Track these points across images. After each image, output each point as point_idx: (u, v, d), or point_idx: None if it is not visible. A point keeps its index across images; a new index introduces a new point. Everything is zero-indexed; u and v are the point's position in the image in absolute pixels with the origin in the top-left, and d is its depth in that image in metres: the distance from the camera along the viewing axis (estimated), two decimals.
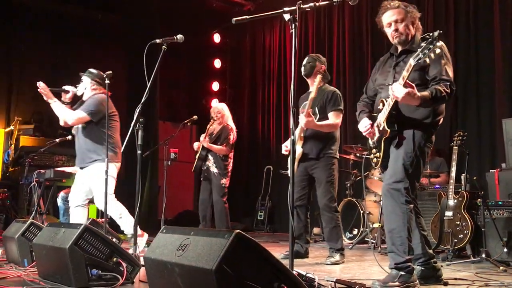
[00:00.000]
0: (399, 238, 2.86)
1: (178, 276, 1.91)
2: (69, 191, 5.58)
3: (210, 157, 5.54)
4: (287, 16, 2.46)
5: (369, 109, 3.24)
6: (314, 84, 4.41)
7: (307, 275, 2.53)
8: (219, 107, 5.82)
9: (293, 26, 2.44)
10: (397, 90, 2.70)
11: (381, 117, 2.94)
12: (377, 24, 3.15)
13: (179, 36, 3.47)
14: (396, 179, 2.88)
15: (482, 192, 4.42)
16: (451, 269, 3.78)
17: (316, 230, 6.78)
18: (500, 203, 4.30)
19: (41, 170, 5.78)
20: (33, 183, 5.58)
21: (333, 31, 7.82)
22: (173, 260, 1.94)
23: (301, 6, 2.47)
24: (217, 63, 9.55)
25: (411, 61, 2.64)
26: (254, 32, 9.48)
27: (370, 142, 3.14)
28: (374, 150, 3.10)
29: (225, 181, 5.54)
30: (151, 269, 2.17)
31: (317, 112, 4.29)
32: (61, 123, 4.50)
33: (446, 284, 2.97)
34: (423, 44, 2.58)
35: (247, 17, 2.50)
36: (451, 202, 4.37)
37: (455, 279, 3.19)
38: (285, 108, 8.61)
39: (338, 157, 4.41)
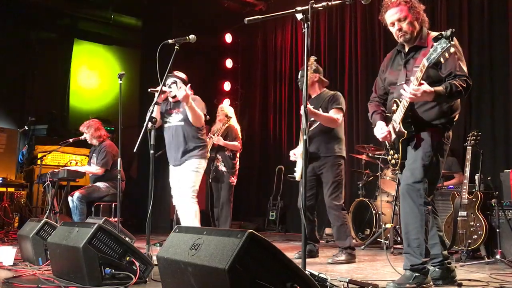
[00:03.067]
0: (416, 240, 2.83)
1: (191, 275, 1.92)
2: (83, 191, 5.64)
3: (218, 156, 5.60)
4: (299, 16, 2.45)
5: (381, 109, 3.19)
6: (314, 94, 4.60)
7: (320, 275, 2.52)
8: (224, 108, 5.93)
9: (305, 26, 2.43)
10: (409, 91, 2.66)
11: (397, 118, 2.90)
12: (382, 22, 3.08)
13: (191, 37, 3.49)
14: (415, 179, 2.85)
15: (497, 192, 4.37)
16: (465, 270, 3.75)
17: (328, 230, 6.75)
18: None
19: (55, 170, 5.84)
20: (47, 183, 5.63)
21: (345, 30, 7.79)
22: (186, 259, 1.94)
23: (314, 5, 2.46)
24: (229, 63, 9.55)
25: (424, 62, 2.59)
26: (265, 32, 9.47)
27: (387, 143, 3.11)
28: (391, 152, 3.07)
29: (233, 179, 5.61)
30: (164, 268, 2.18)
31: (321, 112, 4.32)
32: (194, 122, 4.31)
33: (460, 285, 2.93)
34: (435, 44, 2.53)
35: (260, 17, 2.50)
36: (465, 202, 4.33)
37: (469, 280, 3.16)
38: (296, 108, 8.58)
39: (345, 156, 4.41)
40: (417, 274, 2.79)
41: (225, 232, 1.89)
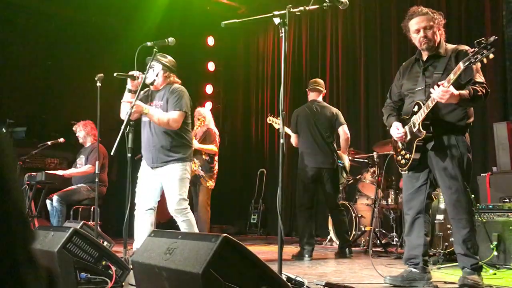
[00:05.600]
0: (469, 242, 2.98)
1: (165, 280, 1.91)
2: (62, 194, 5.56)
3: (196, 160, 5.52)
4: (277, 20, 2.47)
5: (397, 113, 3.33)
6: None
7: (297, 278, 2.53)
8: (201, 111, 5.81)
9: (283, 30, 2.45)
10: (439, 93, 2.79)
11: (417, 119, 3.02)
12: (402, 28, 3.23)
13: (171, 39, 3.47)
14: (457, 188, 2.97)
15: (473, 195, 4.43)
16: (442, 272, 3.79)
17: None
18: (490, 206, 4.32)
19: (33, 173, 5.75)
20: (24, 186, 5.55)
21: (326, 36, 7.85)
22: (161, 264, 1.93)
23: (291, 10, 2.48)
24: (211, 66, 9.54)
25: (461, 65, 2.72)
26: (248, 36, 9.49)
27: (400, 144, 3.20)
28: (403, 152, 3.19)
29: (211, 184, 5.56)
30: (139, 272, 2.16)
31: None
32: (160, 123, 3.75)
33: (435, 287, 2.98)
34: (476, 49, 2.63)
35: (237, 20, 2.50)
36: (442, 206, 4.39)
37: (445, 282, 3.20)
38: (278, 112, 8.60)
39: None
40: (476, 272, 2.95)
41: (200, 236, 1.88)
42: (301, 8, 2.57)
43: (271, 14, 2.44)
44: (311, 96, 5.14)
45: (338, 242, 5.31)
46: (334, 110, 5.12)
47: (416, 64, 3.21)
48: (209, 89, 9.49)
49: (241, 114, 9.50)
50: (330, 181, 4.89)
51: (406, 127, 3.13)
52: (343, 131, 5.03)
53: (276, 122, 5.37)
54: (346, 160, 5.12)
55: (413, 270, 3.11)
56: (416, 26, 3.09)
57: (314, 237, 4.89)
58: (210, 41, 9.48)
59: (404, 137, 3.14)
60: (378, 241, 5.44)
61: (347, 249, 4.84)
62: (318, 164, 4.86)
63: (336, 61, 7.64)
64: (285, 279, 2.50)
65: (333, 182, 4.93)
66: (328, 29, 7.81)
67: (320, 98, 5.13)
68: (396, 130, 3.18)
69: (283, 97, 2.38)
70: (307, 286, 2.50)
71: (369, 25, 7.20)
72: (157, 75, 3.83)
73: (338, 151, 5.04)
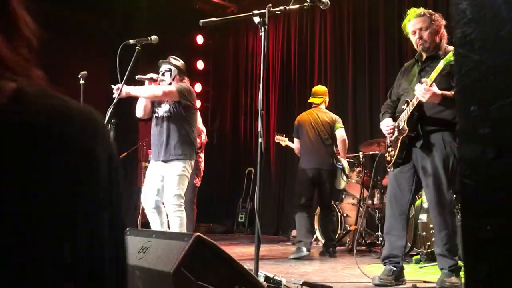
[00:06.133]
0: (445, 245, 3.02)
1: (138, 279, 1.90)
2: None
3: None
4: (256, 19, 2.47)
5: (392, 111, 3.36)
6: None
7: (274, 277, 2.53)
8: None
9: (262, 29, 2.45)
10: (421, 91, 2.83)
11: (403, 117, 3.07)
12: (403, 30, 3.25)
13: (153, 37, 3.45)
14: (439, 188, 2.99)
15: (454, 196, 4.46)
16: (423, 272, 3.82)
17: (295, 232, 6.77)
18: None
19: None
20: None
21: (315, 35, 7.86)
22: (134, 262, 1.92)
23: (271, 9, 2.48)
24: (200, 65, 9.51)
25: (441, 63, 2.75)
26: (237, 34, 9.48)
27: (388, 141, 3.24)
28: (390, 149, 3.24)
29: (197, 181, 5.55)
30: None
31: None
32: (142, 111, 4.00)
33: (414, 287, 3.00)
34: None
35: (215, 19, 2.50)
36: (425, 205, 4.41)
37: (424, 281, 3.23)
38: (267, 112, 8.61)
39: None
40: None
41: (174, 235, 1.88)
42: (281, 7, 2.56)
43: (251, 13, 2.43)
44: (313, 104, 5.27)
45: (323, 241, 5.34)
46: (334, 116, 5.23)
47: (415, 65, 3.24)
48: (198, 87, 9.45)
49: (230, 113, 9.48)
50: (328, 182, 5.00)
51: (395, 124, 3.19)
52: (340, 134, 5.10)
53: (283, 140, 5.49)
54: (345, 163, 5.18)
55: (394, 269, 3.13)
56: (412, 28, 3.11)
57: (311, 232, 5.01)
58: (199, 39, 9.45)
59: (392, 132, 3.18)
60: (363, 241, 5.46)
61: (331, 248, 4.87)
62: (316, 165, 4.95)
63: (325, 61, 7.65)
64: (263, 278, 2.50)
65: (331, 182, 5.04)
66: (317, 28, 7.82)
67: (322, 106, 5.24)
68: (386, 125, 3.23)
69: (262, 97, 2.38)
70: (285, 285, 2.50)
71: (357, 25, 7.22)
72: (173, 78, 4.00)
73: (337, 155, 5.11)
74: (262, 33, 2.41)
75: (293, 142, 5.36)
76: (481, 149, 0.71)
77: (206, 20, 2.48)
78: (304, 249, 4.67)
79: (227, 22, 8.26)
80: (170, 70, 3.98)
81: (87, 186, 0.54)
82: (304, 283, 2.55)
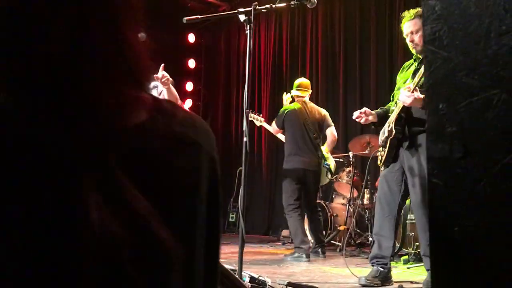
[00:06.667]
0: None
1: None
2: None
3: None
4: (242, 17, 2.44)
5: (387, 109, 3.38)
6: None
7: (259, 278, 2.51)
8: None
9: (248, 28, 2.42)
10: (403, 96, 2.85)
11: (391, 118, 3.10)
12: (395, 29, 3.31)
13: (140, 35, 3.41)
14: (424, 189, 2.96)
15: None
16: (411, 272, 3.82)
17: (285, 232, 6.77)
18: None
19: None
20: None
21: (306, 32, 7.84)
22: None
23: (257, 7, 2.46)
24: (192, 63, 9.47)
25: (422, 69, 2.76)
26: (229, 33, 9.44)
27: (380, 140, 3.29)
28: (380, 149, 3.26)
29: None
30: None
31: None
32: None
33: (401, 287, 2.99)
34: None
35: (199, 16, 2.47)
36: None
37: (411, 282, 3.22)
38: (259, 111, 8.60)
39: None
40: None
41: None
42: (268, 6, 2.54)
43: (236, 11, 2.41)
44: (299, 98, 5.14)
45: (312, 242, 5.32)
46: (323, 111, 5.17)
47: (412, 65, 3.26)
48: (189, 86, 9.42)
49: (221, 112, 9.46)
50: (313, 183, 4.95)
51: (386, 125, 3.21)
52: (331, 132, 5.05)
53: (258, 119, 5.39)
54: (332, 162, 5.14)
55: (381, 270, 3.12)
56: (405, 31, 3.13)
57: (307, 236, 4.97)
58: (191, 38, 9.41)
59: (360, 117, 3.26)
60: (353, 241, 5.45)
61: (320, 248, 4.85)
62: (304, 165, 4.88)
63: (316, 58, 7.64)
64: (248, 279, 2.48)
65: (315, 184, 5.00)
66: (309, 26, 7.81)
67: (307, 99, 5.14)
68: (355, 113, 3.33)
69: (247, 96, 2.36)
70: (269, 286, 2.48)
71: (348, 23, 7.22)
72: None
73: (324, 153, 5.05)
74: (248, 31, 2.39)
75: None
76: (449, 148, 0.70)
77: (190, 18, 2.46)
78: (304, 255, 4.59)
79: (219, 20, 8.23)
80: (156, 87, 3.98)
81: (212, 183, 0.62)
82: (289, 284, 2.53)
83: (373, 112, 3.31)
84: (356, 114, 3.30)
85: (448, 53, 0.72)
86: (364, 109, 3.29)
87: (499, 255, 0.62)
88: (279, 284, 2.60)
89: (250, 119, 5.41)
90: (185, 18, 2.49)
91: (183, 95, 9.33)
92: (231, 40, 9.43)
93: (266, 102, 8.55)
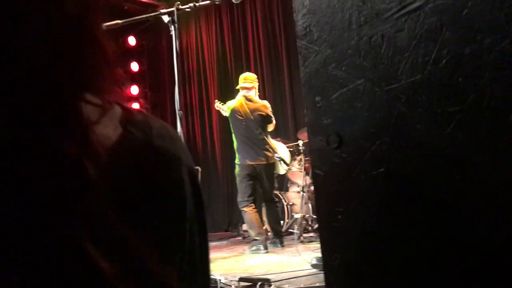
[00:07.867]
0: None
1: None
2: None
3: None
4: (166, 18, 2.41)
5: None
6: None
7: (211, 276, 2.51)
8: None
9: (172, 28, 2.40)
10: None
11: None
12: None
13: None
14: None
15: None
16: None
17: (245, 226, 6.79)
18: None
19: None
20: None
21: (247, 24, 7.86)
22: None
23: (180, 7, 2.43)
24: (135, 66, 9.28)
25: None
26: (170, 33, 9.32)
27: None
28: None
29: None
30: None
31: None
32: None
33: None
34: None
35: (119, 21, 2.42)
36: None
37: None
38: (208, 108, 8.57)
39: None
40: None
41: None
42: (191, 4, 2.52)
43: (158, 13, 2.38)
44: (243, 92, 5.13)
45: (270, 233, 5.37)
46: (266, 105, 5.17)
47: None
48: (134, 90, 9.24)
49: (170, 113, 9.34)
50: (266, 176, 4.98)
51: None
52: (271, 128, 5.19)
53: (223, 110, 5.37)
54: (284, 152, 5.20)
55: None
56: None
57: (263, 228, 4.99)
58: (131, 41, 9.22)
59: None
60: (310, 227, 5.54)
61: (278, 239, 4.91)
62: (253, 160, 4.92)
63: (259, 52, 7.68)
64: None
65: (268, 176, 5.03)
66: (248, 20, 7.82)
67: (251, 93, 5.12)
68: None
69: (178, 97, 2.34)
70: (222, 283, 2.49)
71: (287, 12, 7.28)
72: None
73: (272, 145, 5.09)
74: (172, 32, 2.36)
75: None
76: (326, 139, 0.72)
77: (109, 23, 2.40)
78: (261, 246, 4.66)
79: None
80: None
81: (196, 199, 0.57)
82: (241, 279, 2.55)
83: None
84: None
85: (319, 47, 0.74)
86: None
87: (376, 227, 0.65)
88: (231, 280, 2.61)
89: (217, 109, 5.42)
90: (104, 24, 2.43)
91: (129, 99, 9.16)
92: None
93: (214, 97, 8.52)
